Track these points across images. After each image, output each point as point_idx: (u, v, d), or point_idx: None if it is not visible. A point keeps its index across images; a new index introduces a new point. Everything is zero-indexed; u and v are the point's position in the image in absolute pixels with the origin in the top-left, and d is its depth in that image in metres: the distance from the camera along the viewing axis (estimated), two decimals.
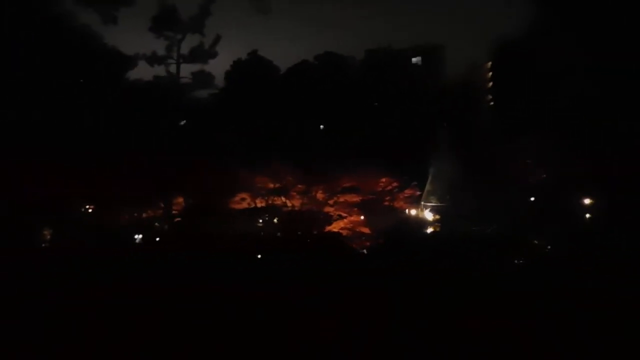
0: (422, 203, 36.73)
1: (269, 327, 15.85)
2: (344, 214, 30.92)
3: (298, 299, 19.72)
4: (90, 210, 32.54)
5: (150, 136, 30.14)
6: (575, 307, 18.33)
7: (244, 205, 31.86)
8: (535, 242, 28.93)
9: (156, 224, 33.88)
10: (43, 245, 30.68)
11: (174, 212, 32.44)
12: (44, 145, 26.58)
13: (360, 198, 30.92)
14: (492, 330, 15.23)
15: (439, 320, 16.63)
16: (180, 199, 32.66)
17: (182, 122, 32.83)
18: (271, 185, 31.16)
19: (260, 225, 31.20)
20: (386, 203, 32.39)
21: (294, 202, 31.30)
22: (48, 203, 28.12)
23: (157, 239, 32.78)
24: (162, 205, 32.00)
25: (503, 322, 16.06)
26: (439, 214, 36.24)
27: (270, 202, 31.36)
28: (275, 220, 32.08)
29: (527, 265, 25.98)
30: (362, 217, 31.15)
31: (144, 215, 32.80)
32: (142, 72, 33.79)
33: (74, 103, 28.09)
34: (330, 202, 30.90)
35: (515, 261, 26.16)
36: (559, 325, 15.54)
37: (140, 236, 33.04)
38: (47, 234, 31.17)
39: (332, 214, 30.99)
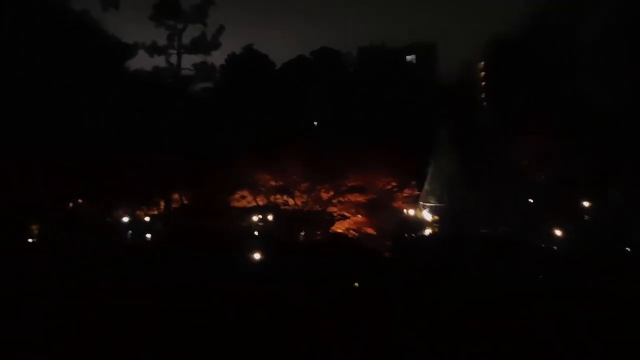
0: (421, 203, 36.30)
1: (269, 327, 15.57)
2: (347, 214, 30.19)
3: (298, 299, 19.30)
4: (80, 204, 31.01)
5: (149, 130, 28.71)
6: (575, 307, 18.50)
7: (244, 203, 30.81)
8: (543, 245, 28.78)
9: (146, 219, 32.70)
10: (31, 240, 29.34)
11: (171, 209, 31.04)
12: (39, 138, 25.06)
13: (366, 198, 30.21)
14: (492, 330, 15.09)
15: (439, 320, 16.49)
16: (177, 196, 31.33)
17: (177, 116, 31.35)
18: (273, 183, 30.13)
19: (261, 224, 30.19)
20: (388, 203, 31.71)
21: (297, 201, 30.38)
22: (40, 198, 26.72)
23: (148, 235, 31.66)
24: (160, 202, 30.58)
25: (503, 322, 15.95)
26: (437, 215, 35.85)
27: (272, 200, 30.33)
28: (270, 219, 31.13)
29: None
30: (365, 217, 30.48)
31: (140, 212, 31.35)
32: (141, 62, 32.24)
33: (70, 93, 26.42)
34: (334, 201, 30.12)
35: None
36: (559, 325, 15.72)
37: (130, 232, 31.92)
38: (34, 228, 29.70)
39: (335, 213, 30.25)
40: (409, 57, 44.71)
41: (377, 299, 19.29)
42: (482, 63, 45.31)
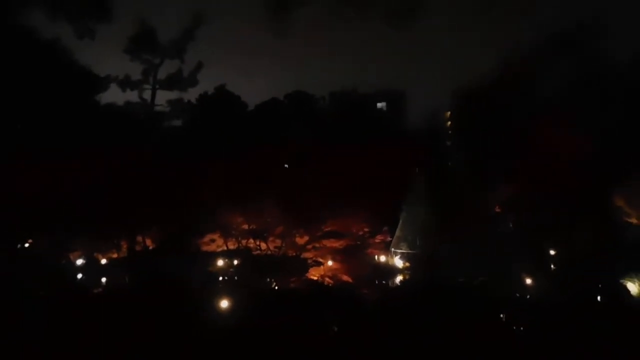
0: (392, 249, 35.72)
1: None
2: (322, 260, 29.16)
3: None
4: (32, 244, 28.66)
5: (115, 166, 27.10)
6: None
7: (213, 247, 29.29)
8: (517, 295, 28.57)
9: (103, 261, 30.56)
10: None
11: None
12: None
13: (341, 243, 29.35)
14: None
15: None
16: (140, 238, 29.47)
17: (146, 153, 29.88)
18: (245, 226, 28.84)
19: (231, 270, 28.60)
20: (362, 249, 30.98)
21: (270, 246, 29.12)
22: None
23: (104, 279, 29.53)
24: (122, 243, 28.60)
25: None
26: (409, 262, 35.28)
27: (243, 244, 28.94)
28: (242, 264, 29.65)
29: None
30: (340, 264, 29.53)
31: (98, 254, 29.22)
32: (113, 96, 30.72)
33: (32, 122, 24.72)
34: (309, 246, 29.06)
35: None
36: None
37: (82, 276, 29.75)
38: None
39: (309, 260, 29.15)
40: (379, 104, 45.30)
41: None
42: (449, 112, 46.59)
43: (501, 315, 26.55)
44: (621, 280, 28.66)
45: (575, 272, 30.55)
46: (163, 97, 31.73)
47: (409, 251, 35.85)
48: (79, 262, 30.44)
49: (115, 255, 30.09)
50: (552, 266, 33.60)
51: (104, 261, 30.85)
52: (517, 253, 32.72)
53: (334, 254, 29.29)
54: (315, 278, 28.02)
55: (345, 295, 24.75)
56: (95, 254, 29.90)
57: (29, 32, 25.67)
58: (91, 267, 29.81)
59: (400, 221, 36.81)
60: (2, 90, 24.31)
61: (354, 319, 21.66)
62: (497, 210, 36.66)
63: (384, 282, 32.27)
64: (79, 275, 29.71)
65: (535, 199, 34.61)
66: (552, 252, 33.86)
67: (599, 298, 28.50)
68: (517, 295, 28.94)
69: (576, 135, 34.42)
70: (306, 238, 29.27)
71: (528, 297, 29.48)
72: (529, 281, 30.97)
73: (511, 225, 36.21)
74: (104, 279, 29.66)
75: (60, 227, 27.45)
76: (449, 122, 46.10)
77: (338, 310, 22.38)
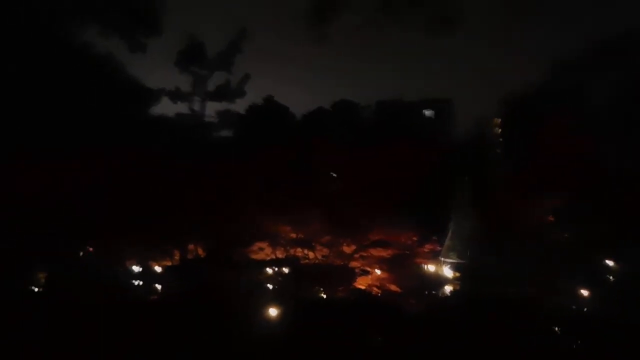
0: (442, 259, 35.14)
1: None
2: (370, 270, 29.07)
3: None
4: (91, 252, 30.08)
5: (167, 176, 28.14)
6: None
7: (262, 255, 29.76)
8: (573, 307, 27.48)
9: (158, 269, 31.59)
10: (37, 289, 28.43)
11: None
12: None
13: (389, 252, 29.16)
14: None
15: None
16: (192, 247, 30.34)
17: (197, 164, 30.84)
18: (293, 235, 29.18)
19: (280, 279, 28.94)
20: (411, 258, 30.63)
21: (317, 255, 29.30)
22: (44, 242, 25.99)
23: (159, 286, 30.52)
24: (174, 251, 29.55)
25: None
26: (458, 272, 34.61)
27: (291, 253, 29.26)
28: (289, 272, 29.92)
29: None
30: (387, 273, 29.32)
31: (153, 262, 30.30)
32: (163, 107, 31.98)
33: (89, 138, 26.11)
34: (356, 255, 29.03)
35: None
36: None
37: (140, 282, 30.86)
38: (42, 277, 28.78)
39: (357, 269, 29.10)
40: (427, 113, 44.82)
41: None
42: (499, 120, 45.48)
43: (556, 329, 25.65)
44: None
45: (634, 285, 29.20)
46: (212, 109, 32.68)
47: (459, 261, 35.17)
48: (135, 269, 31.66)
49: (169, 263, 31.04)
50: (610, 277, 32.22)
51: (158, 269, 31.96)
52: (571, 264, 31.56)
53: (382, 263, 29.12)
54: (363, 287, 27.98)
55: (392, 305, 24.47)
56: (150, 262, 30.96)
57: (85, 48, 27.17)
58: (146, 274, 30.94)
59: (450, 230, 36.21)
60: (61, 105, 25.72)
61: (399, 329, 21.41)
62: (550, 219, 35.36)
63: (433, 292, 31.82)
64: (135, 282, 31.03)
65: (589, 210, 33.31)
66: (609, 263, 32.45)
67: None
68: (573, 307, 27.88)
69: (629, 146, 33.09)
70: (353, 247, 29.27)
71: (585, 309, 28.33)
72: (585, 293, 29.78)
73: (566, 235, 34.91)
74: (158, 286, 30.80)
75: (116, 235, 28.64)
76: (499, 130, 45.04)
77: (384, 320, 22.21)
